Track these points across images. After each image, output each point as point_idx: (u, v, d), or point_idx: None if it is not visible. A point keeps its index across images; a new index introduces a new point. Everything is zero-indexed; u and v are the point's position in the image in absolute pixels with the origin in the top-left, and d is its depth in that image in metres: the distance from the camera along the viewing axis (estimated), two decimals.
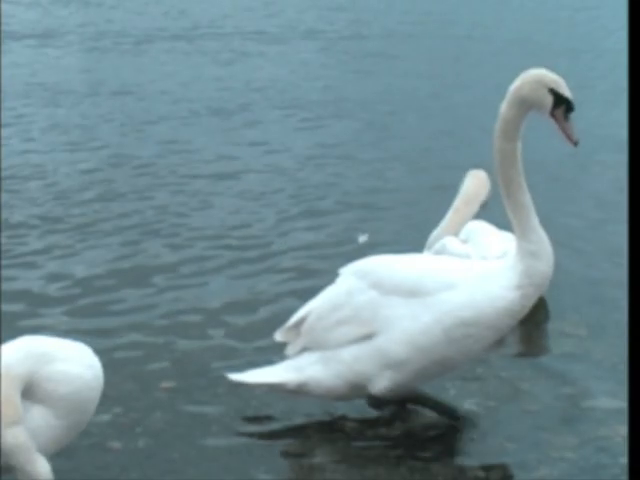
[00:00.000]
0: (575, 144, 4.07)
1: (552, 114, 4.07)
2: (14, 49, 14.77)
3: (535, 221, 4.12)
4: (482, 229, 5.72)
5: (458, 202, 5.94)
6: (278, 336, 4.41)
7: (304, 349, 4.32)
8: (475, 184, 5.97)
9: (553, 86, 4.02)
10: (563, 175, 8.27)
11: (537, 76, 4.06)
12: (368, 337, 4.17)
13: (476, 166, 6.00)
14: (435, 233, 5.95)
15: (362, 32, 16.89)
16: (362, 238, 6.80)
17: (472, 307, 4.08)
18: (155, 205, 7.53)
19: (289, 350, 4.37)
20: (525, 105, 4.07)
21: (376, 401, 4.29)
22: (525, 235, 4.10)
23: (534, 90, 4.04)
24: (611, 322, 5.38)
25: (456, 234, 5.79)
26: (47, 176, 8.27)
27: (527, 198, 4.12)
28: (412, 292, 4.12)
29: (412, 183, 7.97)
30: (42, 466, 3.38)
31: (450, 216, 5.91)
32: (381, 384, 4.20)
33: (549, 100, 4.04)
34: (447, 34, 16.81)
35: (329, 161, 8.89)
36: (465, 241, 5.64)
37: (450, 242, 5.55)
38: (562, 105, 4.04)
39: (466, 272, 4.18)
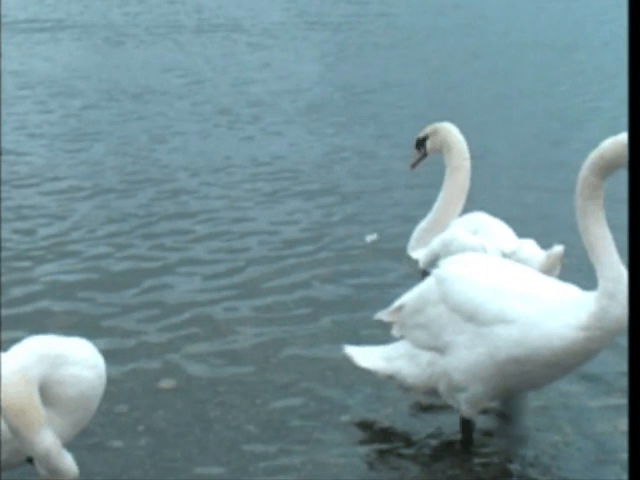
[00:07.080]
0: None
1: None
2: (18, 43, 14.86)
3: (615, 257, 3.85)
4: (490, 221, 5.59)
5: (454, 161, 5.74)
6: (381, 315, 4.44)
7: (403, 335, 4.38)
8: (455, 134, 5.76)
9: None
10: (564, 178, 8.15)
11: None
12: (436, 350, 4.16)
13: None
14: (424, 225, 5.81)
15: (384, 27, 16.92)
16: (370, 238, 6.79)
17: (524, 345, 3.91)
18: (163, 206, 7.55)
19: (394, 331, 4.42)
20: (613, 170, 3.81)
21: (467, 422, 4.25)
22: (603, 272, 3.85)
23: None
24: None
25: (445, 227, 5.65)
26: (51, 175, 8.30)
27: (605, 231, 3.87)
28: (470, 317, 4.04)
29: (422, 183, 7.95)
30: (70, 463, 3.37)
31: (445, 195, 5.73)
32: (462, 409, 4.19)
33: None
34: (469, 29, 16.82)
35: (339, 160, 8.90)
36: (474, 232, 5.52)
37: (461, 235, 5.42)
38: None
39: (531, 303, 3.95)
